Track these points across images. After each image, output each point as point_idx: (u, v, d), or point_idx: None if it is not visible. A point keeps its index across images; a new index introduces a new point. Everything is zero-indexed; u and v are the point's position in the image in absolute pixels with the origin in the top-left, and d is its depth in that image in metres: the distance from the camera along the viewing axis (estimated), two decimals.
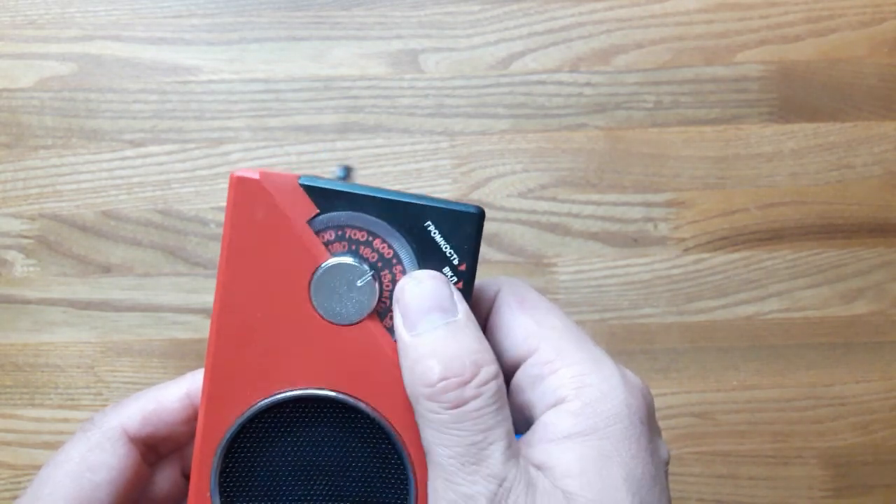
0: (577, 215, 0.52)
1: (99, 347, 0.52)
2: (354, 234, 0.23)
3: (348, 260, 0.23)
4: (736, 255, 0.52)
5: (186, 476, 0.27)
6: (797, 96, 0.52)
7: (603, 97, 0.52)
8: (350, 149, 0.52)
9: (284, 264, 0.23)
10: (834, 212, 0.52)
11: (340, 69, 0.53)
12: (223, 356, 0.23)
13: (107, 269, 0.53)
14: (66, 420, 0.52)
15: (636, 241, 0.52)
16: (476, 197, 0.52)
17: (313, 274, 0.23)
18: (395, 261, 0.23)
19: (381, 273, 0.23)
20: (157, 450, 0.26)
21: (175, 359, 0.52)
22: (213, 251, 0.52)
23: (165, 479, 0.27)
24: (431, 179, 0.52)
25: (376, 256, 0.23)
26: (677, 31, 0.53)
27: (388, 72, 0.52)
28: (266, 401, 0.23)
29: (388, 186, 0.52)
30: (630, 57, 0.52)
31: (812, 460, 0.52)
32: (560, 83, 0.52)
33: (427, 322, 0.22)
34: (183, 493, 0.27)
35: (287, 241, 0.22)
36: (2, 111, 0.53)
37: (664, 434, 0.53)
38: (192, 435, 0.26)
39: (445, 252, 0.23)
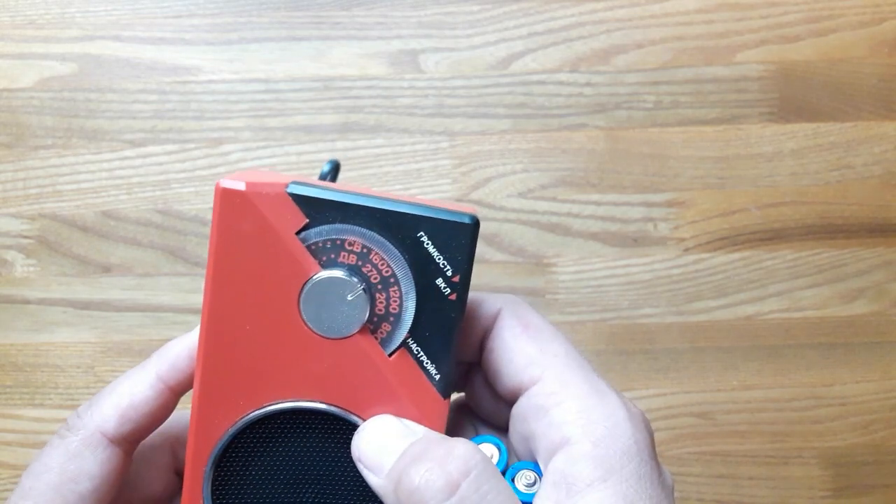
0: (577, 215, 0.52)
1: (99, 347, 0.52)
2: (345, 245, 0.22)
3: (339, 273, 0.22)
4: (736, 255, 0.52)
5: (178, 474, 0.27)
6: (797, 96, 0.52)
7: (603, 97, 0.52)
8: (350, 149, 0.52)
9: (273, 276, 0.22)
10: (834, 212, 0.52)
11: (340, 69, 0.53)
12: (213, 368, 0.23)
13: (107, 269, 0.53)
14: (65, 420, 0.52)
15: (636, 241, 0.52)
16: (476, 197, 0.52)
17: (303, 287, 0.22)
18: (387, 273, 0.23)
19: (374, 285, 0.23)
20: (138, 439, 0.25)
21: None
22: None
23: (158, 478, 0.26)
24: (431, 179, 0.52)
25: (368, 268, 0.22)
26: (677, 31, 0.53)
27: (388, 72, 0.52)
28: (256, 412, 0.23)
29: (378, 188, 0.52)
30: (630, 57, 0.52)
31: (812, 460, 0.52)
32: (560, 83, 0.52)
33: (390, 456, 0.22)
34: (175, 491, 0.27)
35: (275, 253, 0.22)
36: (2, 111, 0.53)
37: (664, 434, 0.53)
38: (170, 415, 0.26)
39: (439, 263, 0.22)
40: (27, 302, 0.53)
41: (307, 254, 0.22)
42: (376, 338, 0.23)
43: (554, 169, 0.52)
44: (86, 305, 0.52)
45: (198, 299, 0.52)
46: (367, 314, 0.22)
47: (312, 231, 0.22)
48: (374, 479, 0.22)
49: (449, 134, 0.52)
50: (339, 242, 0.22)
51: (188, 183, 0.52)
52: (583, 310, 0.52)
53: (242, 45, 0.53)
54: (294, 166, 0.52)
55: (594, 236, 0.52)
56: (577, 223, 0.52)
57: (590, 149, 0.52)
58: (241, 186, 0.21)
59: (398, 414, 0.23)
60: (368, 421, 0.23)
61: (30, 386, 0.53)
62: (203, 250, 0.52)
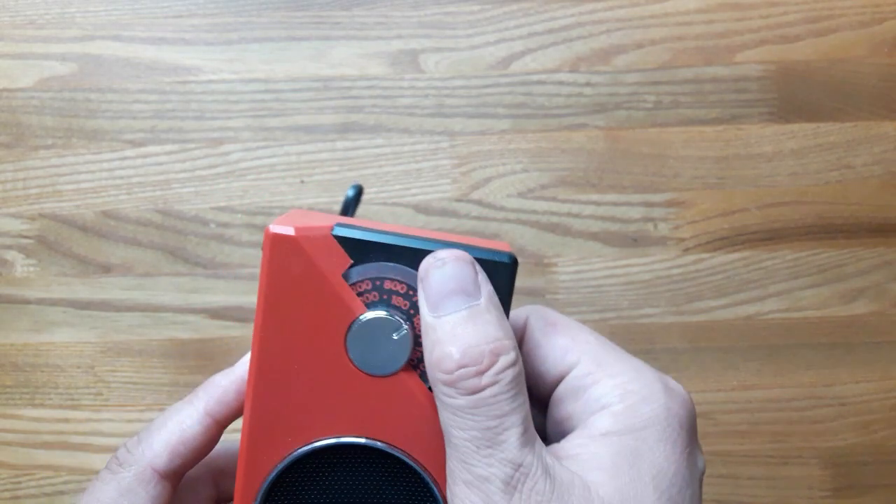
0: (577, 215, 0.52)
1: (99, 347, 0.52)
2: (389, 286, 0.23)
3: (384, 314, 0.23)
4: (736, 255, 0.52)
5: (218, 502, 0.27)
6: (797, 96, 0.52)
7: (603, 97, 0.52)
8: (350, 149, 0.52)
9: (320, 317, 0.23)
10: (834, 212, 0.52)
11: (340, 69, 0.53)
12: (262, 406, 0.23)
13: (107, 269, 0.53)
14: (66, 420, 0.52)
15: (636, 241, 0.52)
16: (476, 197, 0.52)
17: (350, 327, 0.23)
18: None
19: (416, 324, 0.23)
20: (185, 472, 0.26)
21: (175, 359, 0.52)
22: (213, 251, 0.52)
23: None
24: (431, 179, 0.52)
25: (411, 307, 0.23)
26: (677, 31, 0.53)
27: (388, 72, 0.52)
28: (304, 448, 0.23)
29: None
30: (630, 57, 0.52)
31: (812, 460, 0.52)
32: (560, 83, 0.52)
33: (449, 305, 0.22)
34: None
35: (322, 295, 0.23)
36: (2, 111, 0.53)
37: None
38: (217, 450, 0.26)
39: None
40: (27, 302, 0.53)
41: (353, 294, 0.23)
42: (419, 374, 0.23)
43: (554, 169, 0.52)
44: (86, 305, 0.52)
45: (198, 299, 0.52)
46: (410, 352, 0.23)
47: (357, 271, 0.23)
48: (425, 310, 0.22)
49: (449, 134, 0.52)
50: (382, 283, 0.23)
51: (188, 183, 0.52)
52: (583, 310, 0.52)
53: (242, 45, 0.53)
54: (294, 166, 0.52)
55: (594, 236, 0.52)
56: (577, 223, 0.52)
57: (590, 149, 0.52)
58: (290, 231, 0.22)
59: (442, 448, 0.23)
60: (446, 252, 0.23)
61: (30, 386, 0.53)
62: (203, 250, 0.52)
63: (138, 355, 0.52)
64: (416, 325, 0.23)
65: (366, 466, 0.24)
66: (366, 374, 0.23)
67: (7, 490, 0.52)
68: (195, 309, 0.52)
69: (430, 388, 0.23)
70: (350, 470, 0.24)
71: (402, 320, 0.23)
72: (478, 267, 0.23)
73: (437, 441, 0.23)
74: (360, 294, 0.23)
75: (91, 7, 0.53)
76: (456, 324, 0.22)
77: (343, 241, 0.23)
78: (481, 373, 0.21)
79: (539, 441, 0.22)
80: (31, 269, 0.53)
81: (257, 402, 0.23)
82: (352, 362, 0.23)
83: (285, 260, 0.23)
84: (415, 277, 0.23)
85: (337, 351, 0.23)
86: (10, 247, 0.53)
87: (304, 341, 0.23)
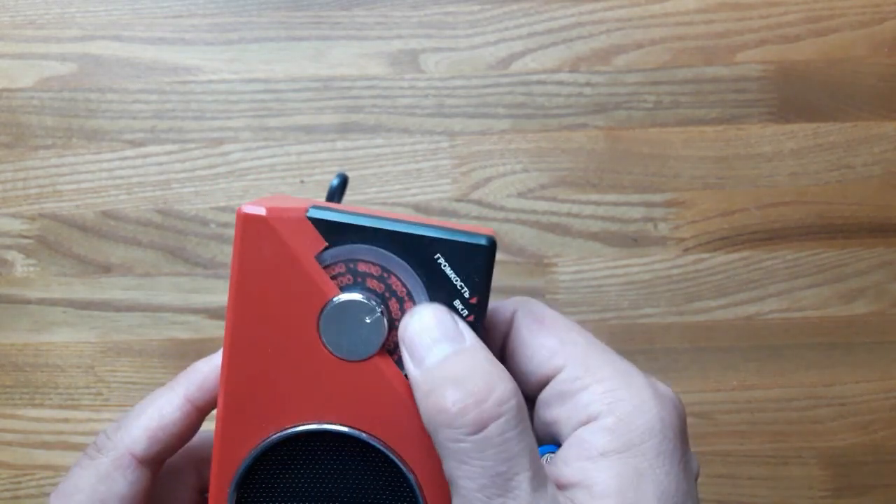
0: (577, 215, 0.52)
1: (99, 347, 0.52)
2: (363, 268, 0.23)
3: (357, 296, 0.22)
4: (736, 255, 0.52)
5: (202, 493, 0.27)
6: (797, 96, 0.52)
7: (603, 97, 0.52)
8: (350, 149, 0.52)
9: (293, 300, 0.22)
10: (834, 212, 0.52)
11: (340, 69, 0.53)
12: (235, 391, 0.23)
13: (107, 269, 0.53)
14: (66, 420, 0.52)
15: (636, 241, 0.52)
16: (476, 197, 0.52)
17: (322, 310, 0.23)
18: (405, 295, 0.23)
19: (391, 308, 0.23)
20: (165, 459, 0.25)
21: (175, 359, 0.52)
22: (213, 251, 0.52)
23: (182, 497, 0.27)
24: (431, 179, 0.52)
25: (386, 290, 0.23)
26: (677, 31, 0.53)
27: (388, 72, 0.52)
28: (278, 435, 0.23)
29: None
30: (630, 57, 0.52)
31: (812, 460, 0.52)
32: (560, 83, 0.52)
33: (435, 353, 0.21)
34: None
35: (295, 277, 0.22)
36: (2, 111, 0.53)
37: None
38: (199, 439, 0.26)
39: (456, 285, 0.23)
40: (27, 302, 0.53)
41: (326, 277, 0.23)
42: (394, 359, 0.23)
43: (554, 169, 0.52)
44: (86, 305, 0.52)
45: (198, 299, 0.52)
46: (385, 336, 0.23)
47: (331, 254, 0.23)
48: (412, 368, 0.22)
49: (449, 134, 0.52)
50: (357, 265, 0.23)
51: (188, 183, 0.52)
52: (583, 310, 0.52)
53: (242, 45, 0.53)
54: (294, 166, 0.52)
55: (594, 236, 0.52)
56: (577, 223, 0.52)
57: (590, 149, 0.52)
58: (261, 212, 0.22)
59: (416, 434, 0.22)
60: (422, 306, 0.22)
61: (30, 386, 0.53)
62: (203, 250, 0.52)
63: (138, 355, 0.52)
64: (391, 308, 0.23)
65: (340, 453, 0.24)
66: (340, 358, 0.23)
67: (7, 490, 0.52)
68: (195, 309, 0.52)
69: (406, 375, 0.23)
70: (325, 456, 0.24)
71: (375, 303, 0.22)
72: (456, 317, 0.22)
73: (411, 427, 0.23)
74: (333, 277, 0.23)
75: (91, 7, 0.53)
76: (445, 368, 0.21)
77: (318, 223, 0.22)
78: (482, 402, 0.20)
79: (550, 481, 0.21)
80: (31, 269, 0.53)
81: (230, 387, 0.23)
82: (325, 347, 0.23)
83: (257, 241, 0.22)
84: (390, 260, 0.22)
85: (310, 335, 0.23)
86: (10, 247, 0.53)
87: (277, 325, 0.23)
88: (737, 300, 0.52)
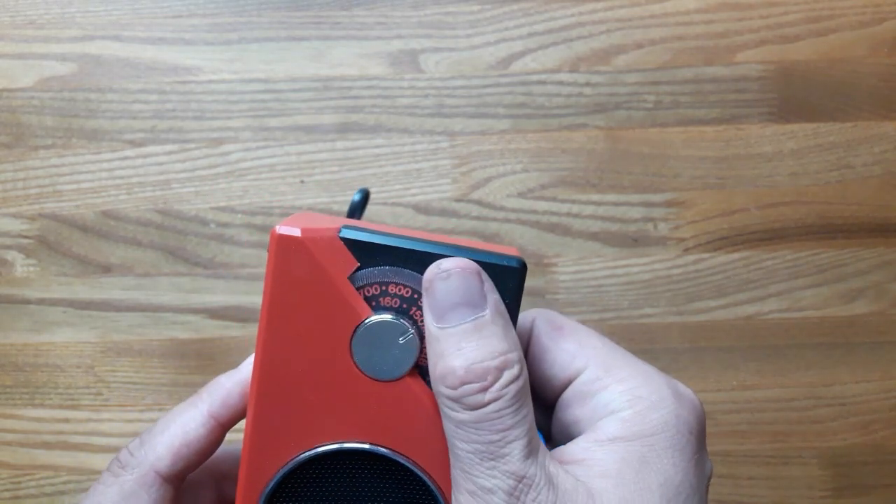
0: (577, 215, 0.52)
1: (99, 347, 0.52)
2: (395, 290, 0.23)
3: (390, 317, 0.23)
4: (736, 255, 0.52)
5: None
6: (797, 96, 0.52)
7: (603, 97, 0.52)
8: (350, 149, 0.52)
9: (326, 320, 0.23)
10: (834, 212, 0.52)
11: (340, 69, 0.53)
12: (265, 409, 0.23)
13: (107, 269, 0.53)
14: (66, 420, 0.52)
15: (636, 241, 0.52)
16: (476, 197, 0.52)
17: (355, 330, 0.23)
18: None
19: (423, 328, 0.23)
20: (187, 475, 0.25)
21: (175, 359, 0.52)
22: (213, 251, 0.52)
23: None
24: (431, 179, 0.52)
25: (417, 310, 0.23)
26: (677, 31, 0.53)
27: (388, 72, 0.52)
28: (307, 453, 0.23)
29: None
30: (630, 57, 0.52)
31: (812, 460, 0.52)
32: (560, 83, 0.52)
33: (454, 317, 0.22)
34: None
35: (328, 297, 0.23)
36: (2, 111, 0.53)
37: None
38: (219, 453, 0.26)
39: None
40: (27, 302, 0.53)
41: (359, 298, 0.23)
42: (425, 380, 0.23)
43: (554, 169, 0.52)
44: (86, 305, 0.52)
45: (198, 299, 0.52)
46: (417, 357, 0.23)
47: (363, 274, 0.23)
48: (429, 319, 0.22)
49: (449, 134, 0.52)
50: (389, 286, 0.23)
51: (188, 183, 0.52)
52: (583, 310, 0.52)
53: (242, 45, 0.53)
54: (294, 166, 0.52)
55: (594, 236, 0.52)
56: (577, 223, 0.52)
57: (590, 149, 0.52)
58: (296, 232, 0.22)
59: (448, 454, 0.23)
60: (454, 260, 0.22)
61: (30, 386, 0.53)
62: (203, 250, 0.52)
63: (138, 355, 0.52)
64: (422, 328, 0.23)
65: (370, 472, 0.24)
66: (371, 378, 0.23)
67: (7, 490, 0.52)
68: (195, 309, 0.52)
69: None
70: (354, 476, 0.24)
71: (408, 324, 0.23)
72: (484, 276, 0.22)
73: (442, 448, 0.23)
74: (366, 298, 0.23)
75: (91, 7, 0.53)
76: (461, 337, 0.21)
77: (350, 243, 0.22)
78: (485, 389, 0.21)
79: (543, 449, 0.22)
80: (31, 269, 0.53)
81: (260, 404, 0.23)
82: (357, 366, 0.23)
83: (291, 261, 0.22)
84: (421, 282, 0.23)
85: (342, 354, 0.23)
86: (10, 247, 0.53)
87: (308, 344, 0.23)
88: (737, 300, 0.52)
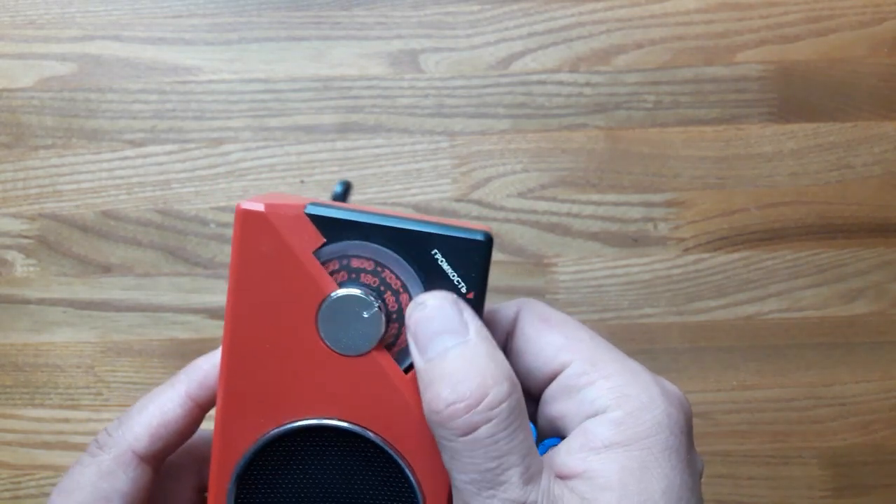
0: (577, 215, 0.52)
1: (99, 347, 0.52)
2: (361, 264, 0.23)
3: (355, 291, 0.23)
4: (736, 255, 0.52)
5: (202, 491, 0.27)
6: (797, 96, 0.52)
7: (603, 97, 0.52)
8: (350, 149, 0.52)
9: (292, 296, 0.23)
10: (834, 212, 0.52)
11: (340, 69, 0.53)
12: (234, 387, 0.23)
13: (107, 269, 0.53)
14: (66, 420, 0.52)
15: (636, 241, 0.52)
16: (476, 197, 0.52)
17: (320, 305, 0.23)
18: (402, 290, 0.23)
19: (388, 303, 0.23)
20: (167, 456, 0.25)
21: (175, 358, 0.52)
22: (213, 251, 0.52)
23: (182, 494, 0.27)
24: (431, 179, 0.52)
25: (383, 286, 0.23)
26: (677, 31, 0.53)
27: (388, 72, 0.52)
28: (276, 430, 0.23)
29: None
30: (630, 57, 0.52)
31: (812, 460, 0.52)
32: (560, 83, 0.52)
33: (437, 345, 0.22)
34: None
35: (293, 273, 0.22)
36: (2, 111, 0.53)
37: None
38: (200, 437, 0.26)
39: (453, 280, 0.23)
40: (27, 302, 0.53)
41: (324, 273, 0.23)
42: (392, 354, 0.23)
43: (554, 169, 0.52)
44: (86, 305, 0.52)
45: (198, 299, 0.52)
46: (383, 331, 0.23)
47: (329, 250, 0.23)
48: (416, 357, 0.22)
49: (449, 134, 0.52)
50: (354, 261, 0.23)
51: (188, 183, 0.52)
52: (583, 310, 0.52)
53: (242, 45, 0.53)
54: (294, 166, 0.52)
55: (594, 236, 0.52)
56: (577, 223, 0.52)
57: (590, 149, 0.52)
58: (260, 208, 0.22)
59: (415, 428, 0.23)
60: (429, 294, 0.22)
61: (30, 386, 0.53)
62: (203, 250, 0.52)
63: (138, 355, 0.52)
64: (388, 302, 0.23)
65: (339, 447, 0.24)
66: (338, 353, 0.23)
67: (7, 490, 0.52)
68: (195, 309, 0.52)
69: (404, 370, 0.23)
70: (324, 451, 0.24)
71: (373, 298, 0.23)
72: (462, 304, 0.22)
73: (409, 421, 0.23)
74: (332, 272, 0.23)
75: (91, 7, 0.53)
76: (445, 363, 0.21)
77: (316, 219, 0.22)
78: (471, 408, 0.20)
79: (546, 470, 0.21)
80: (31, 269, 0.53)
81: (229, 382, 0.23)
82: (324, 342, 0.23)
83: (256, 237, 0.22)
84: (386, 255, 0.23)
85: (309, 330, 0.23)
86: (10, 247, 0.53)
87: (275, 321, 0.23)
88: (737, 300, 0.52)
